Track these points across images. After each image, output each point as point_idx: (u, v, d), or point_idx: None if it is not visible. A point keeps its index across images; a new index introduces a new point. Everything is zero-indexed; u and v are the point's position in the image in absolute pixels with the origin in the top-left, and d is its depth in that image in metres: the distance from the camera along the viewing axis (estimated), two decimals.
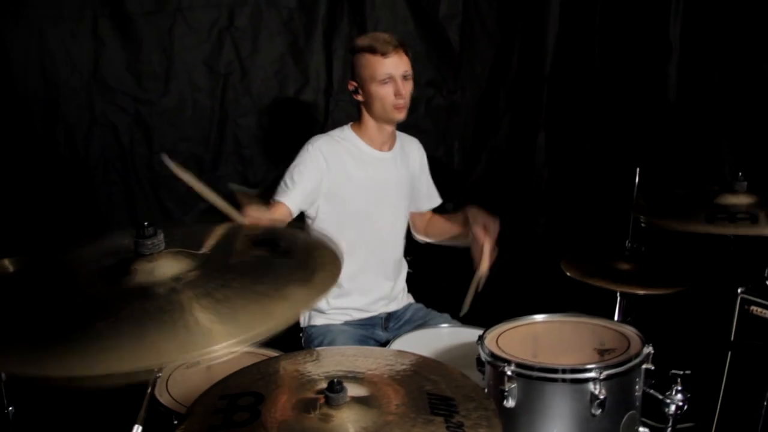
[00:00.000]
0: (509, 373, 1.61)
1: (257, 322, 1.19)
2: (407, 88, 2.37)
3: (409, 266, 2.74)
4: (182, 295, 1.23)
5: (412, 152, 2.62)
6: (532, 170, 3.54)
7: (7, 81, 2.59)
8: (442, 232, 2.68)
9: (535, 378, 1.61)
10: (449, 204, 3.45)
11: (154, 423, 1.81)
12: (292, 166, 2.38)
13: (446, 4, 3.29)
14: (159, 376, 1.31)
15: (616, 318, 2.42)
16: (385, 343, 2.42)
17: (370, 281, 2.51)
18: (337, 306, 2.50)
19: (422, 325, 2.48)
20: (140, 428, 1.24)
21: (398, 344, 2.24)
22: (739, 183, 2.13)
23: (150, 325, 1.15)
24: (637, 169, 2.33)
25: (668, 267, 2.49)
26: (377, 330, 2.55)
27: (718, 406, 2.23)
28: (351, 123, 2.50)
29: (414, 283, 2.75)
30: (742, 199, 2.12)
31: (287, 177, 2.36)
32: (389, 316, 2.58)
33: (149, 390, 1.31)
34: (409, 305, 2.65)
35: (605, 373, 1.58)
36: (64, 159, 2.73)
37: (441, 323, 2.43)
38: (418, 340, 2.29)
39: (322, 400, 1.35)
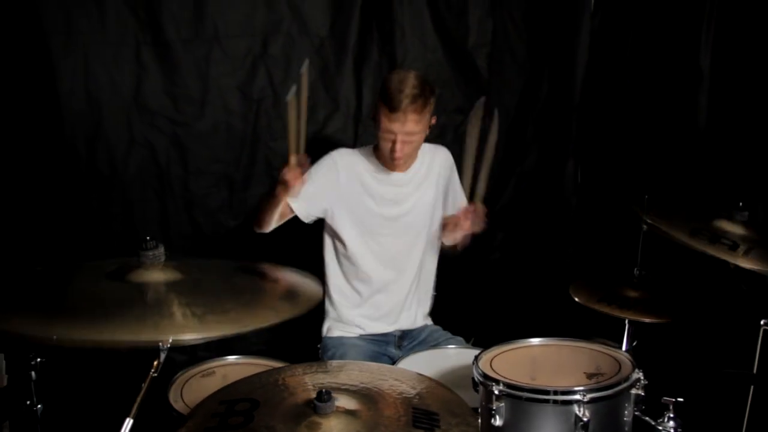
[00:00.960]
0: (497, 392, 1.67)
1: (226, 321, 1.48)
2: (405, 148, 2.37)
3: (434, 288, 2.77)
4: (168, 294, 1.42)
5: (436, 166, 2.60)
6: (561, 198, 3.55)
7: (54, 101, 2.74)
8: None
9: (522, 398, 1.67)
10: None
11: (168, 427, 1.92)
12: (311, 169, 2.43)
13: (475, 33, 3.32)
14: (155, 375, 1.42)
15: (624, 345, 2.43)
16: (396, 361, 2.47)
17: (385, 298, 2.57)
18: (352, 319, 2.57)
19: (433, 346, 2.51)
20: (131, 421, 1.34)
21: (405, 363, 2.30)
22: (740, 213, 2.17)
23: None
24: (645, 197, 2.34)
25: (675, 295, 2.50)
26: (390, 347, 2.59)
27: None
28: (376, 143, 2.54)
29: (437, 305, 2.79)
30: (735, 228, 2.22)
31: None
32: (404, 335, 2.62)
33: (144, 386, 1.42)
34: (425, 326, 2.68)
35: (589, 396, 1.62)
36: (104, 176, 2.86)
37: (452, 345, 2.47)
38: (425, 359, 2.34)
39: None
